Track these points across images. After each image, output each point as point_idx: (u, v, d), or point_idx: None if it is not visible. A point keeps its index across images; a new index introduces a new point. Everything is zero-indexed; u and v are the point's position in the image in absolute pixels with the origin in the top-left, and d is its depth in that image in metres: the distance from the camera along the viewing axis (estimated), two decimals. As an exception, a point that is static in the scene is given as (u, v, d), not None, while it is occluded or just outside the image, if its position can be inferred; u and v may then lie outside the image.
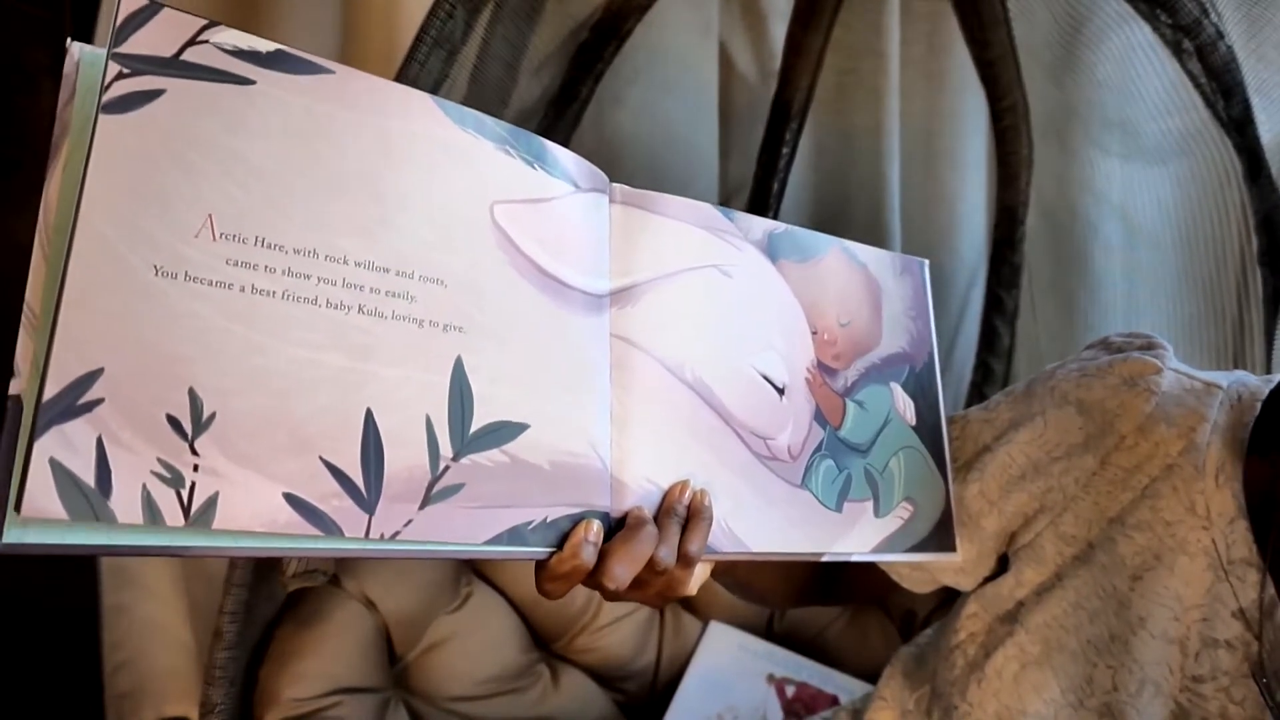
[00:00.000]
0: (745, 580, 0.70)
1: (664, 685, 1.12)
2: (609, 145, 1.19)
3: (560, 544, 0.46)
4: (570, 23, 1.03)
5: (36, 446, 0.34)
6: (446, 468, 0.43)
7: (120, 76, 0.38)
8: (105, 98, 0.38)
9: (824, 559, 0.56)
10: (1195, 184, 0.99)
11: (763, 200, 1.20)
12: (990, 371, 1.23)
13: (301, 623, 0.92)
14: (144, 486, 0.36)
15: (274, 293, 0.40)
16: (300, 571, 0.91)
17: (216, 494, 0.37)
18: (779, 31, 1.24)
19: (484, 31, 0.89)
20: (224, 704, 0.79)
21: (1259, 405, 0.58)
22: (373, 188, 0.44)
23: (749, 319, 0.56)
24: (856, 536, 0.58)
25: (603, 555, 0.47)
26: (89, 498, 0.35)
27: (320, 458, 0.40)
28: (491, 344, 0.46)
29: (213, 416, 0.38)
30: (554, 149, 0.50)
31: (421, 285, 0.44)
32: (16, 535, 0.34)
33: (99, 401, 0.36)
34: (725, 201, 0.54)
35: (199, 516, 0.37)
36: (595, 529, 0.47)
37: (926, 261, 0.66)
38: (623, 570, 0.46)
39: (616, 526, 0.49)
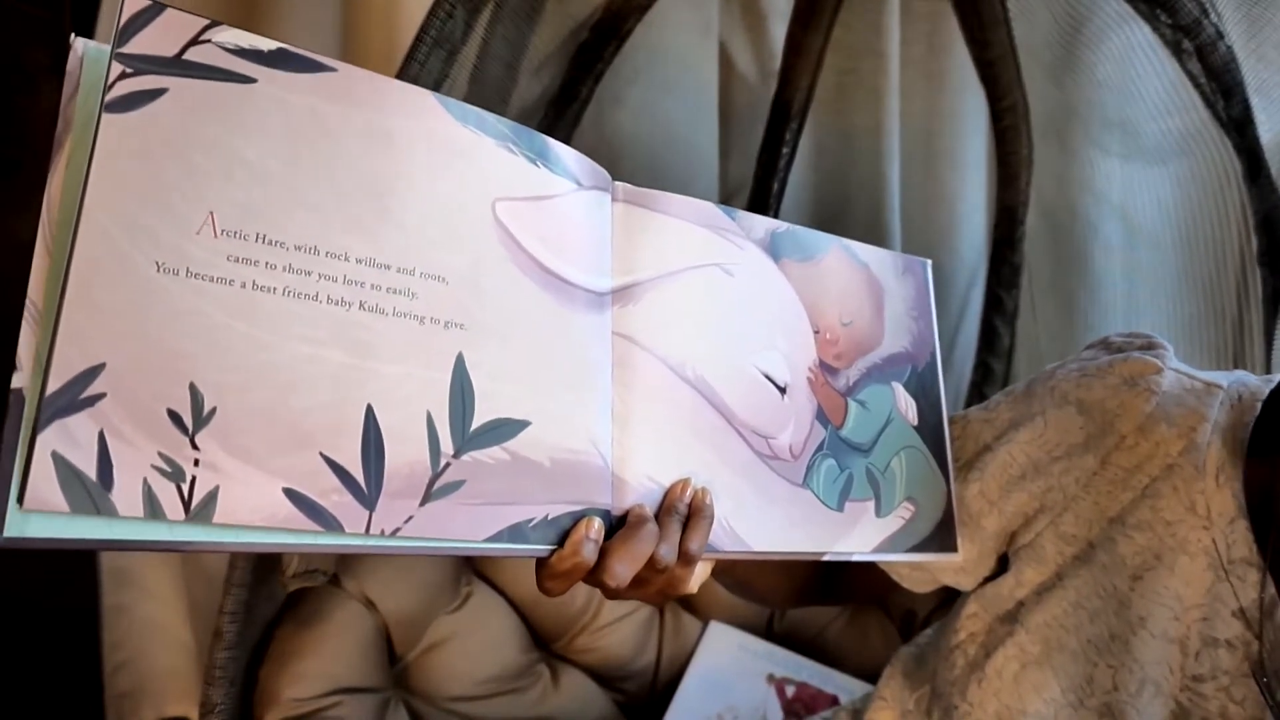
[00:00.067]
0: (746, 579, 0.70)
1: (664, 685, 1.12)
2: (609, 145, 1.19)
3: (561, 542, 0.46)
4: (570, 23, 1.03)
5: (39, 440, 0.35)
6: (447, 464, 0.43)
7: (123, 76, 0.39)
8: (108, 97, 0.38)
9: (825, 558, 0.56)
10: (1195, 184, 0.99)
11: (763, 200, 1.20)
12: (990, 371, 1.23)
13: (301, 623, 0.92)
14: (145, 480, 0.36)
15: (275, 289, 0.40)
16: (300, 571, 0.91)
17: (217, 489, 0.38)
18: (779, 31, 1.24)
19: (484, 31, 0.89)
20: (224, 704, 0.79)
21: (1259, 405, 0.58)
22: (374, 185, 0.44)
23: (751, 318, 0.56)
24: (858, 536, 0.58)
25: (604, 553, 0.47)
26: (90, 491, 0.35)
27: (321, 454, 0.40)
28: (493, 341, 0.46)
29: (213, 412, 0.38)
30: (556, 146, 0.50)
31: (423, 282, 0.44)
32: (18, 528, 0.34)
33: (101, 396, 0.36)
34: (725, 201, 0.54)
35: (199, 511, 0.37)
36: (596, 527, 0.47)
37: (929, 261, 0.66)
38: (624, 568, 0.46)
39: (617, 524, 0.49)
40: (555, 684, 1.07)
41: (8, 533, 0.34)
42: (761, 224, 0.58)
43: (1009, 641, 0.62)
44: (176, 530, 0.37)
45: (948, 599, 1.07)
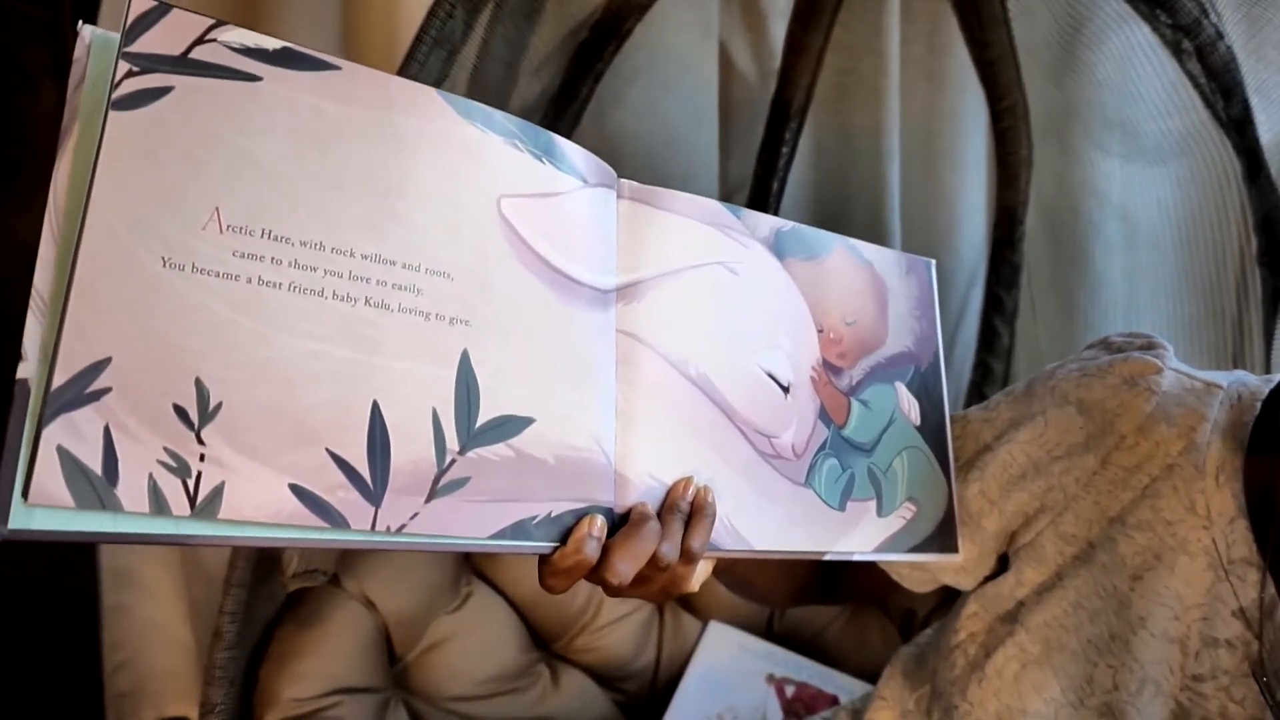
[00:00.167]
0: (746, 578, 0.70)
1: (664, 685, 1.12)
2: (609, 145, 1.19)
3: (564, 539, 0.46)
4: (570, 22, 1.03)
5: (44, 434, 0.35)
6: (452, 461, 0.43)
7: (130, 74, 0.39)
8: (115, 95, 0.38)
9: (826, 558, 0.56)
10: (1195, 184, 0.99)
11: (762, 199, 1.20)
12: (989, 371, 1.24)
13: (301, 623, 0.92)
14: (150, 475, 0.36)
15: (280, 285, 0.40)
16: (300, 571, 0.91)
17: (222, 484, 0.38)
18: (779, 31, 1.24)
19: (484, 31, 0.89)
20: (224, 704, 0.79)
21: (1259, 405, 0.58)
22: (379, 181, 0.44)
23: (754, 316, 0.56)
24: (859, 536, 0.58)
25: (606, 551, 0.47)
26: (95, 485, 0.35)
27: (326, 449, 0.40)
28: (497, 338, 0.46)
29: (219, 407, 0.38)
30: (562, 143, 0.50)
31: (428, 278, 0.44)
32: (22, 521, 0.34)
33: (106, 390, 0.36)
34: (725, 200, 0.54)
35: (204, 506, 0.37)
36: (599, 524, 0.47)
37: (933, 261, 0.66)
38: (626, 566, 0.46)
39: (620, 522, 0.49)
40: (555, 684, 1.07)
41: (11, 525, 0.34)
42: (766, 222, 0.58)
43: (1009, 641, 0.62)
44: (181, 525, 0.37)
45: (948, 599, 1.07)
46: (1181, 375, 0.61)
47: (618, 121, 1.20)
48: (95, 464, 0.35)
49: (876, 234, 1.30)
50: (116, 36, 0.39)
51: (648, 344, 0.51)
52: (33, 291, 0.37)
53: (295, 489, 0.39)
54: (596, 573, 0.47)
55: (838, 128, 1.30)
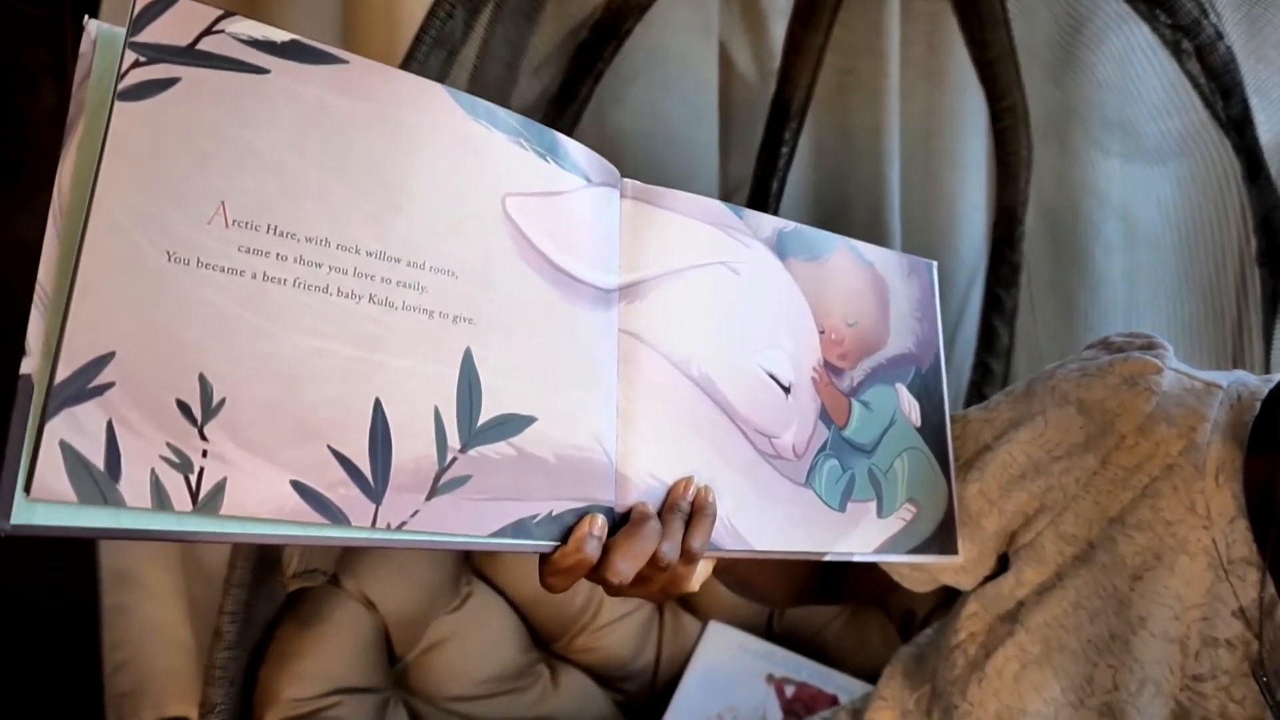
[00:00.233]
0: (746, 578, 0.70)
1: (663, 685, 1.12)
2: (609, 144, 1.19)
3: (564, 538, 0.46)
4: (570, 22, 1.03)
5: (47, 428, 0.34)
6: (454, 459, 0.43)
7: (136, 64, 0.38)
8: (121, 85, 0.38)
9: (826, 558, 0.56)
10: (1194, 184, 0.99)
11: (762, 199, 1.20)
12: (989, 371, 1.24)
13: (301, 623, 0.92)
14: (152, 471, 0.36)
15: (285, 280, 0.40)
16: (300, 571, 0.91)
17: (224, 480, 0.38)
18: (779, 31, 1.24)
19: (484, 31, 0.89)
20: (224, 704, 0.79)
21: (1258, 405, 0.58)
22: (385, 177, 0.44)
23: (756, 316, 0.56)
24: (859, 537, 0.58)
25: (606, 550, 0.47)
26: (98, 480, 0.35)
27: (328, 446, 0.40)
28: (500, 336, 0.46)
29: (222, 403, 0.38)
30: (566, 142, 0.50)
31: (432, 276, 0.44)
32: (24, 516, 0.34)
33: (110, 385, 0.36)
34: (725, 200, 0.54)
35: (206, 502, 0.37)
36: (599, 524, 0.47)
37: (935, 263, 0.66)
38: (626, 565, 0.46)
39: (620, 521, 0.49)
40: (555, 684, 1.07)
41: (14, 520, 0.34)
42: (769, 223, 0.58)
43: (1009, 641, 0.62)
44: (183, 521, 0.37)
45: (947, 599, 1.07)
46: (1181, 375, 0.61)
47: (618, 121, 1.20)
48: (98, 459, 0.35)
49: (876, 234, 1.30)
50: (122, 31, 0.39)
51: (649, 343, 0.51)
52: (36, 287, 0.36)
53: (297, 485, 0.39)
54: (597, 572, 0.47)
55: (838, 128, 1.30)
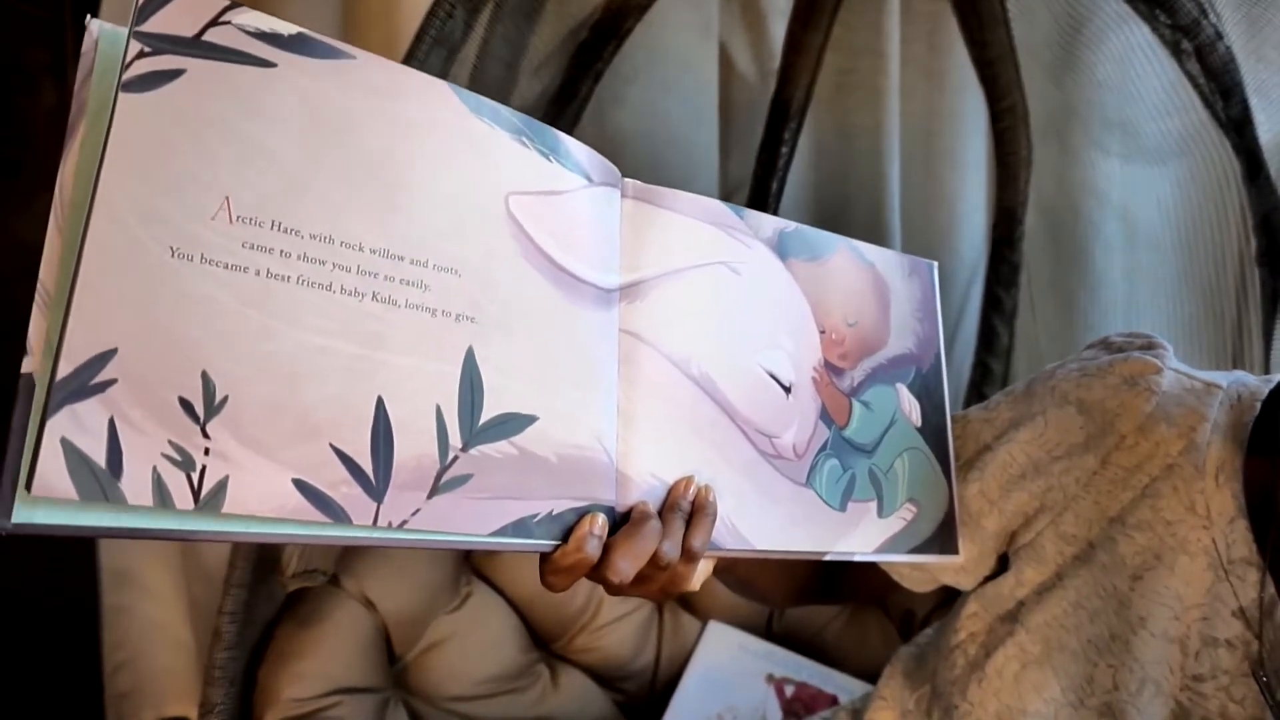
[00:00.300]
0: (746, 578, 0.70)
1: (663, 685, 1.12)
2: (609, 144, 1.19)
3: (565, 537, 0.46)
4: (570, 22, 1.03)
5: (48, 425, 0.34)
6: (455, 458, 0.43)
7: (141, 55, 0.38)
8: (125, 76, 0.37)
9: (827, 558, 0.56)
10: (1194, 184, 0.99)
11: (762, 199, 1.20)
12: (989, 371, 1.24)
13: (301, 623, 0.92)
14: (154, 469, 0.36)
15: (289, 278, 0.40)
16: (300, 571, 0.91)
17: (226, 478, 0.37)
18: (779, 31, 1.24)
19: (484, 31, 0.89)
20: (223, 704, 0.79)
21: (1258, 405, 0.58)
22: (390, 174, 0.44)
23: (757, 316, 0.56)
24: (859, 536, 0.58)
25: (607, 549, 0.47)
26: (99, 478, 0.35)
27: (330, 444, 0.40)
28: (502, 335, 0.46)
29: (225, 400, 0.38)
30: (568, 142, 0.50)
31: (435, 274, 0.44)
32: (26, 514, 0.34)
33: (112, 382, 0.36)
34: (724, 200, 0.54)
35: (208, 501, 0.37)
36: (600, 523, 0.47)
37: (935, 263, 0.66)
38: (626, 565, 0.46)
39: (621, 521, 0.49)
40: (554, 684, 1.07)
41: (15, 519, 0.34)
42: (770, 223, 0.58)
43: (1009, 641, 0.62)
44: (185, 520, 0.37)
45: (947, 599, 1.07)
46: (1181, 375, 0.61)
47: (618, 121, 1.20)
48: (99, 456, 0.35)
49: (876, 234, 1.30)
50: (124, 31, 0.38)
51: (650, 343, 0.51)
52: (38, 285, 0.36)
53: (299, 484, 0.39)
54: (597, 571, 0.47)
55: (838, 128, 1.30)
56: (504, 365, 0.45)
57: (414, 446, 0.42)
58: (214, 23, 0.40)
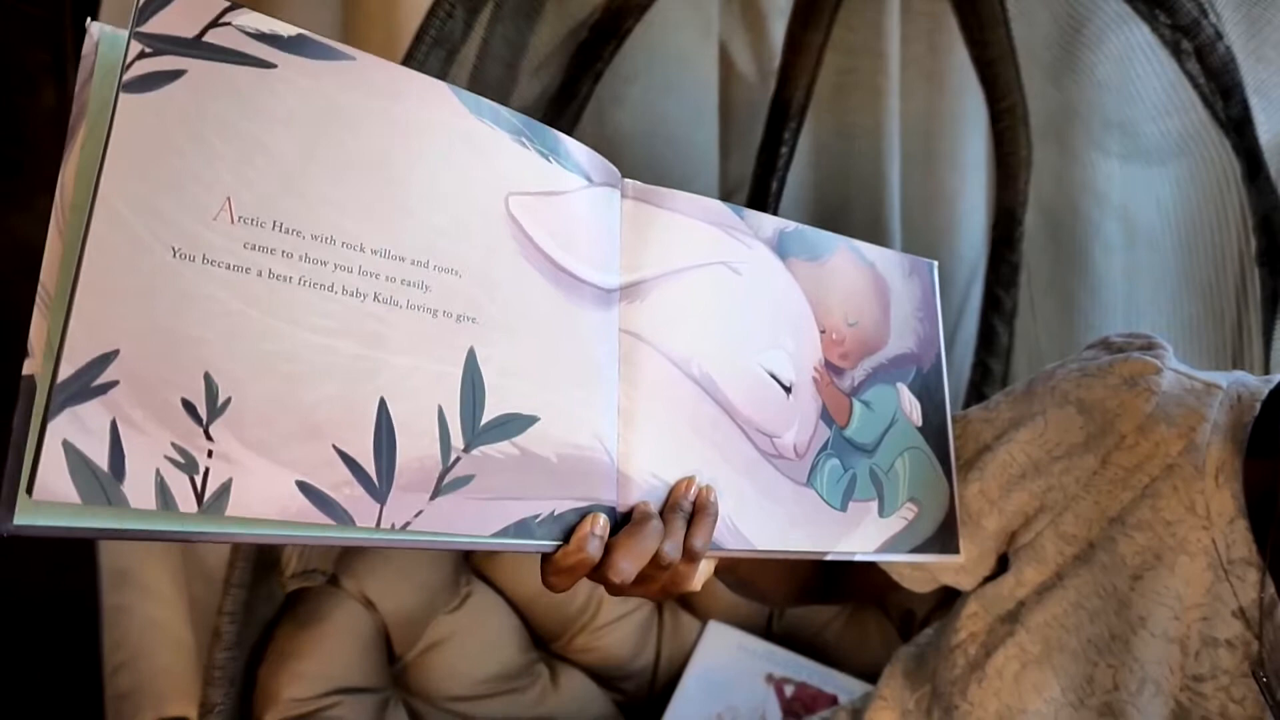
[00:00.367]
0: (747, 578, 0.70)
1: (663, 685, 1.12)
2: (609, 144, 1.19)
3: (566, 537, 0.46)
4: (570, 22, 1.03)
5: (50, 428, 0.34)
6: (457, 459, 0.43)
7: (142, 56, 0.38)
8: (126, 77, 0.37)
9: (827, 558, 0.56)
10: (1194, 185, 0.99)
11: (762, 199, 1.20)
12: (989, 371, 1.24)
13: (300, 623, 0.92)
14: (157, 471, 0.36)
15: (290, 278, 0.40)
16: (299, 571, 0.91)
17: (229, 480, 0.37)
18: (779, 31, 1.24)
19: (484, 31, 0.89)
20: (223, 704, 0.79)
21: (1258, 405, 0.58)
22: (390, 175, 0.44)
23: (757, 316, 0.56)
24: (860, 536, 0.58)
25: (608, 550, 0.47)
26: (101, 481, 0.34)
27: (333, 446, 0.40)
28: (503, 336, 0.46)
29: (228, 402, 0.38)
30: (568, 142, 0.50)
31: (436, 275, 0.44)
32: (28, 517, 0.34)
33: (114, 384, 0.35)
34: (724, 200, 0.55)
35: (212, 503, 0.37)
36: (601, 523, 0.47)
37: (935, 263, 0.66)
38: (628, 565, 0.46)
39: (622, 521, 0.49)
40: (554, 684, 1.07)
41: (17, 521, 0.34)
42: (770, 223, 0.58)
43: (1009, 641, 0.62)
44: (188, 522, 0.37)
45: (947, 599, 1.07)
46: (1181, 376, 0.61)
47: (618, 121, 1.20)
48: (101, 459, 0.35)
49: (876, 233, 1.30)
50: (124, 33, 0.38)
51: (650, 343, 0.51)
52: (39, 287, 0.36)
53: (302, 485, 0.39)
54: (599, 571, 0.47)
55: (838, 128, 1.30)
56: (505, 366, 0.45)
57: (416, 447, 0.42)
58: (214, 24, 0.40)
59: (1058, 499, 0.61)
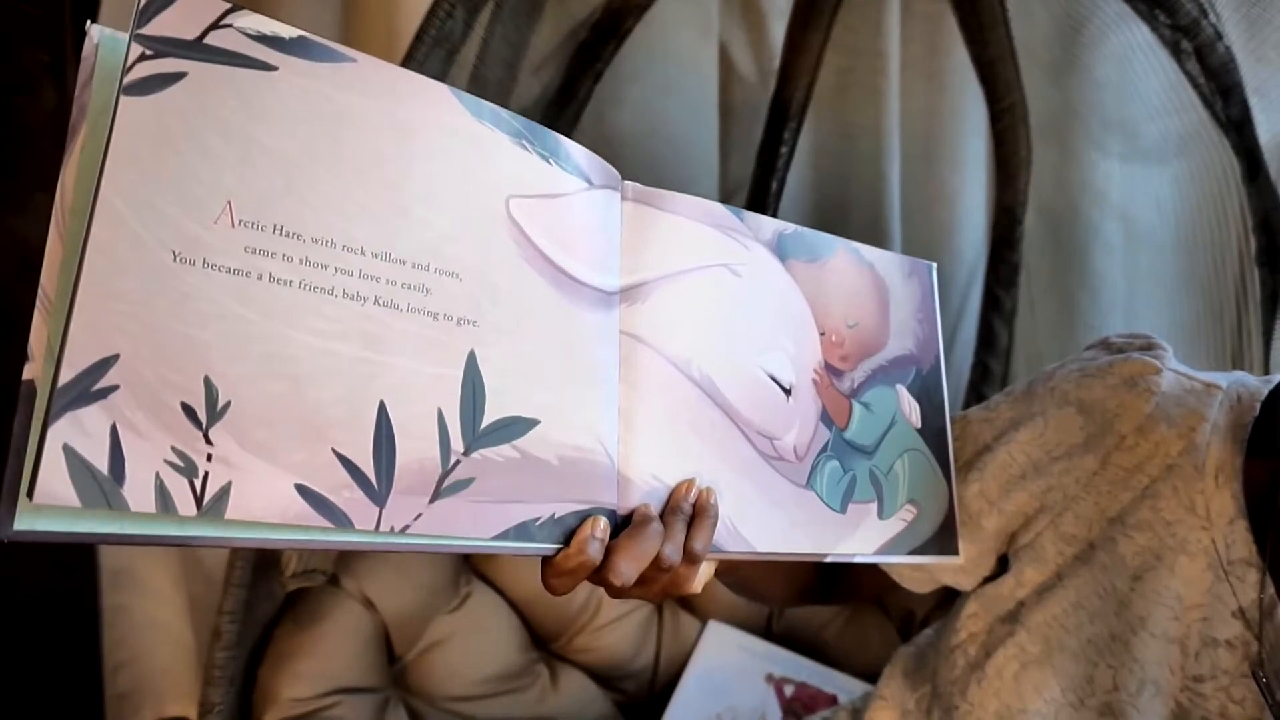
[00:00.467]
0: (747, 579, 0.70)
1: (663, 685, 1.12)
2: (609, 145, 1.19)
3: (567, 540, 0.46)
4: (570, 22, 1.03)
5: (50, 432, 0.34)
6: (457, 462, 0.43)
7: (142, 58, 0.38)
8: (127, 79, 0.37)
9: (827, 560, 0.57)
10: (1194, 184, 0.99)
11: (761, 199, 1.20)
12: (988, 371, 1.24)
13: (300, 623, 0.92)
14: (157, 475, 0.36)
15: (291, 282, 0.40)
16: (299, 571, 0.91)
17: (229, 484, 0.37)
18: (779, 31, 1.24)
19: (484, 31, 0.89)
20: (223, 704, 0.79)
21: (1258, 405, 0.58)
22: (390, 178, 0.43)
23: (757, 318, 0.56)
24: (860, 538, 0.58)
25: (609, 552, 0.47)
26: (102, 485, 0.35)
27: (333, 449, 0.40)
28: (504, 338, 0.46)
29: (227, 406, 0.38)
30: (568, 145, 0.50)
31: (437, 278, 0.44)
32: (29, 522, 0.34)
33: (114, 388, 0.35)
34: (724, 201, 0.54)
35: (211, 507, 0.37)
36: (602, 526, 0.47)
37: (934, 264, 0.66)
38: (628, 567, 0.46)
39: (622, 523, 0.49)
40: (554, 684, 1.07)
41: (18, 526, 0.34)
42: (769, 225, 0.58)
43: (1009, 641, 0.62)
44: (187, 526, 0.37)
45: (947, 599, 1.07)
46: (1181, 376, 0.61)
47: (617, 121, 1.20)
48: (102, 463, 0.35)
49: (876, 233, 1.30)
50: (124, 36, 0.38)
51: (651, 345, 0.51)
52: (39, 291, 0.36)
53: (301, 489, 0.39)
54: (599, 574, 0.47)
55: (838, 128, 1.30)
56: (505, 368, 0.45)
57: (416, 450, 0.42)
58: (215, 26, 0.40)
59: (1057, 499, 0.61)
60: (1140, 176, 1.10)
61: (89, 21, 0.39)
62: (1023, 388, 0.67)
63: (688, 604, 1.16)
